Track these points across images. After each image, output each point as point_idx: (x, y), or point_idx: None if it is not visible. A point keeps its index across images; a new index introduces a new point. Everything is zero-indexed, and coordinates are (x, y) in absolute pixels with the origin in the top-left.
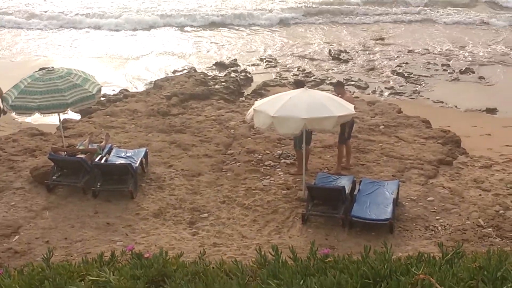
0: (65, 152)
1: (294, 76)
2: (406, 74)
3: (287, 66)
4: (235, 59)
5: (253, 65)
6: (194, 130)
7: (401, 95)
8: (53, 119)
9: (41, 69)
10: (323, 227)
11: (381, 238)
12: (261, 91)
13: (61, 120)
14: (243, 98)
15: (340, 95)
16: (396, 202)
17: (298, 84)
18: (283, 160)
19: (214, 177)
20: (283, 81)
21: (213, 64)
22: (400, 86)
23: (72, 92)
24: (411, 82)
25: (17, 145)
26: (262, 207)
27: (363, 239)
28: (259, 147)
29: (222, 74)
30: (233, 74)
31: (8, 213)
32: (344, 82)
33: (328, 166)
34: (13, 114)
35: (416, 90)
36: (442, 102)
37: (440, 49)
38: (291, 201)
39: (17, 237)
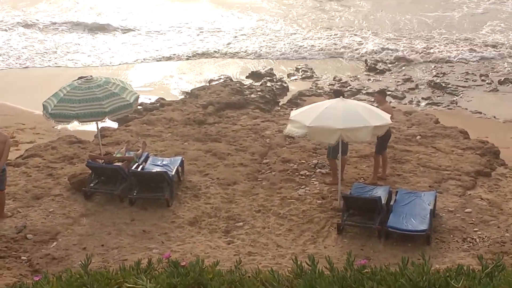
0: (103, 160)
1: (330, 86)
2: (443, 85)
3: (323, 75)
4: (271, 69)
5: (289, 74)
6: (229, 139)
7: (438, 105)
8: (91, 127)
9: (80, 77)
10: (358, 237)
11: (417, 250)
12: (297, 101)
13: (99, 128)
14: (279, 108)
15: (378, 104)
16: (433, 213)
17: (337, 94)
18: (318, 170)
19: (250, 186)
20: (318, 91)
21: (249, 73)
22: (437, 97)
23: (110, 101)
24: (449, 93)
25: (56, 152)
26: (297, 216)
27: (399, 251)
28: (295, 157)
29: (258, 83)
30: (269, 84)
31: (47, 220)
32: None
33: (364, 176)
34: (53, 122)
35: (453, 101)
36: (480, 113)
37: (479, 58)
38: (327, 211)
39: (55, 243)
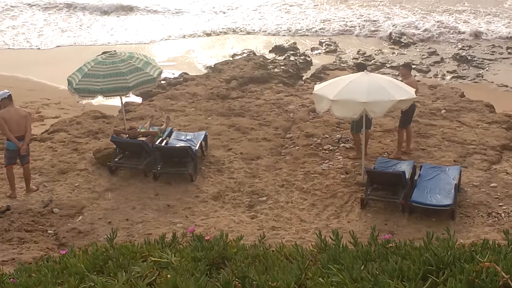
0: (127, 135)
1: (354, 60)
2: (469, 58)
3: (347, 49)
4: (294, 43)
5: (313, 48)
6: (253, 114)
7: (463, 79)
8: (115, 102)
9: (103, 52)
10: (382, 212)
11: (442, 225)
12: (320, 75)
13: (123, 103)
14: (302, 82)
15: (403, 78)
16: (457, 188)
17: (360, 67)
18: (342, 144)
19: (273, 161)
20: (342, 65)
21: (272, 48)
22: (463, 70)
23: (133, 76)
24: (475, 66)
25: (81, 127)
26: (321, 191)
27: (424, 225)
28: (318, 131)
29: (281, 57)
30: (292, 58)
31: (72, 194)
32: None
33: (388, 151)
34: (77, 97)
35: (479, 74)
36: (507, 86)
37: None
38: (350, 185)
39: (80, 217)
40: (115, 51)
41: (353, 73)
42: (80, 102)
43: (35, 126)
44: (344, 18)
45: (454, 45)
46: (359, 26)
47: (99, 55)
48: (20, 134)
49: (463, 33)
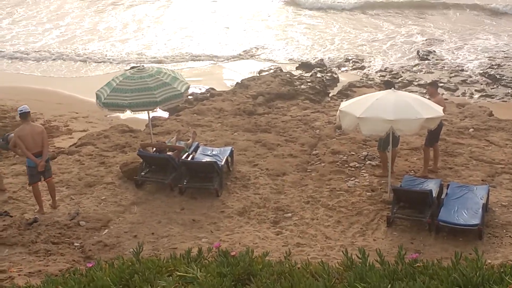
0: (154, 148)
1: (381, 77)
2: (498, 76)
3: (374, 66)
4: (321, 59)
5: (339, 65)
6: (279, 130)
7: (492, 98)
8: (142, 116)
9: (132, 67)
10: (408, 230)
11: (469, 245)
12: (347, 92)
13: (150, 117)
14: (329, 99)
15: (430, 96)
16: (485, 208)
17: (388, 85)
18: (368, 162)
19: (299, 177)
20: (369, 82)
21: (299, 64)
22: (491, 89)
23: (161, 91)
24: (503, 85)
25: (108, 141)
26: (347, 208)
27: (450, 245)
28: (344, 148)
29: (308, 74)
30: (319, 74)
31: (99, 207)
32: None
33: (414, 169)
34: (106, 111)
35: (508, 93)
36: None
37: None
38: (376, 203)
39: (106, 230)
40: (143, 66)
41: (380, 90)
42: (108, 116)
43: (63, 139)
44: (371, 34)
45: (482, 63)
46: (385, 42)
47: (127, 70)
48: (37, 150)
49: (491, 50)
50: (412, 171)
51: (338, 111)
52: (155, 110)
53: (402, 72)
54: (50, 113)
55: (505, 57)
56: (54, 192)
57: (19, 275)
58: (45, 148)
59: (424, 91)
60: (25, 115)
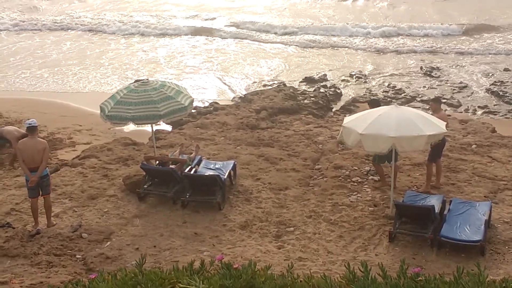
0: (157, 161)
1: (384, 93)
2: (501, 93)
3: (377, 82)
4: (325, 74)
5: (343, 80)
6: (282, 144)
7: (495, 114)
8: (145, 130)
9: (136, 81)
10: (410, 246)
11: (471, 260)
12: (350, 107)
13: (154, 131)
14: (332, 114)
15: (433, 112)
16: (488, 224)
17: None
18: (370, 177)
19: (301, 192)
20: (372, 97)
21: (303, 79)
22: (494, 105)
23: (165, 104)
24: (506, 102)
25: (111, 154)
26: (349, 223)
27: (452, 261)
28: (347, 163)
29: (311, 89)
30: (322, 89)
31: (101, 220)
32: None
33: (417, 184)
34: (109, 123)
35: (511, 110)
36: None
37: None
38: (378, 218)
39: (109, 243)
40: (147, 79)
41: (382, 106)
42: (111, 128)
43: (67, 151)
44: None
45: (485, 80)
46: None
47: (131, 83)
48: (34, 166)
49: (495, 68)
50: (415, 187)
51: (342, 126)
52: (158, 123)
53: (406, 87)
54: (54, 126)
55: (509, 73)
56: (49, 211)
57: (21, 286)
58: (42, 165)
59: (427, 107)
60: (32, 129)
